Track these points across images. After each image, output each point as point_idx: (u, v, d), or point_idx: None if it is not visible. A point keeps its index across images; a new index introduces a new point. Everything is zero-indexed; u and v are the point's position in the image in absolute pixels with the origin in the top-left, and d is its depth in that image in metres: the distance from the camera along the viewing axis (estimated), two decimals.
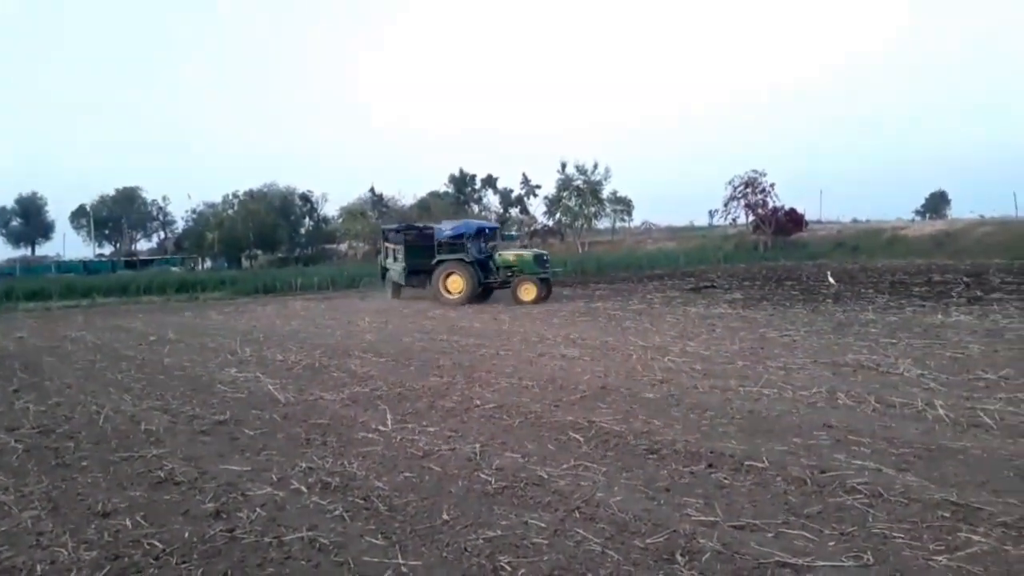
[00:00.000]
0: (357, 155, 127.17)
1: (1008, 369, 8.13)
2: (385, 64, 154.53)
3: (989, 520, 4.04)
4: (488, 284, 21.81)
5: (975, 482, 4.67)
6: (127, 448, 6.37)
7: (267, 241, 61.68)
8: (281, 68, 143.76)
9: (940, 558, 3.61)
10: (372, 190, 67.39)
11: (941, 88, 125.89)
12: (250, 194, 63.67)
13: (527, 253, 23.04)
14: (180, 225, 74.44)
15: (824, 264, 36.00)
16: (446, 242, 21.83)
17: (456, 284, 21.25)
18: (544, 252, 24.69)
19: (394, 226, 26.90)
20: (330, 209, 68.34)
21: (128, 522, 4.56)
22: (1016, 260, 31.75)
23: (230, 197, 64.19)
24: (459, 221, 23.71)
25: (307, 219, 68.64)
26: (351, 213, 62.13)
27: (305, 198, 67.81)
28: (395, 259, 24.08)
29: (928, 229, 49.96)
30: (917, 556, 3.66)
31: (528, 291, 20.53)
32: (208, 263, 62.98)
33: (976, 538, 3.82)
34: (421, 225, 27.09)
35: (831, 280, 23.05)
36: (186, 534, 4.34)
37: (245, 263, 60.30)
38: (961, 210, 70.99)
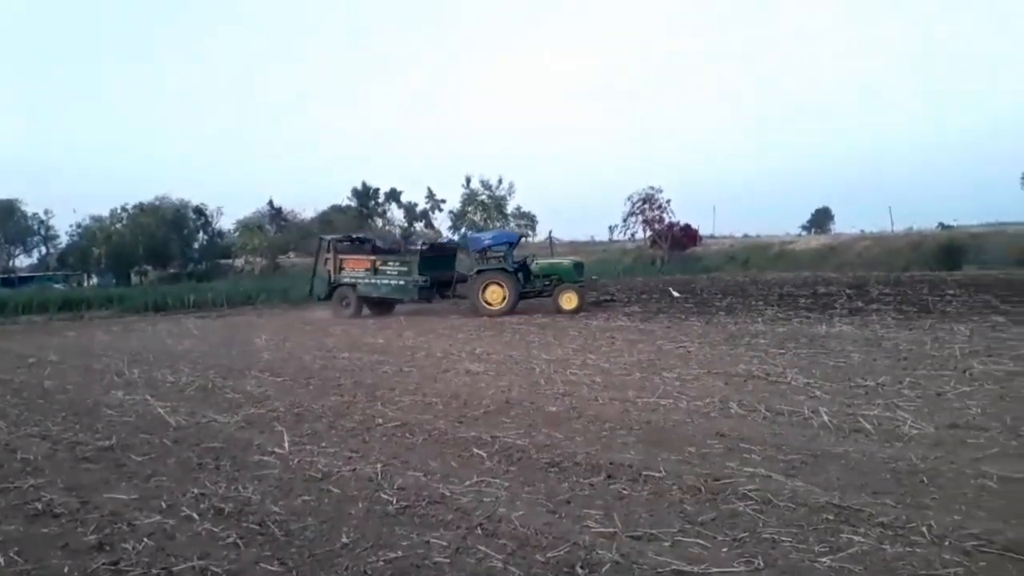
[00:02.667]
0: (255, 168, 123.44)
1: (885, 376, 8.63)
2: (284, 74, 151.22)
3: (868, 521, 4.27)
4: (525, 293, 20.89)
5: (856, 485, 4.93)
6: (1, 479, 5.95)
7: (158, 256, 59.07)
8: (175, 77, 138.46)
9: (824, 559, 3.79)
10: (270, 203, 65.77)
11: (822, 109, 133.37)
12: (140, 207, 60.87)
13: (566, 261, 22.26)
14: (64, 240, 70.48)
15: (718, 277, 37.35)
16: (482, 252, 20.93)
17: (496, 294, 20.22)
18: (581, 260, 23.53)
19: (338, 236, 25.08)
20: (226, 223, 66.21)
21: (1, 559, 4.26)
22: (893, 272, 33.80)
23: (119, 211, 61.23)
24: (496, 230, 22.53)
25: (201, 233, 66.18)
26: (248, 227, 60.36)
27: (199, 211, 65.33)
28: (374, 272, 21.76)
29: (813, 243, 52.57)
30: (803, 558, 3.82)
31: (570, 299, 19.79)
32: (94, 280, 59.74)
33: (857, 538, 4.02)
34: (361, 236, 25.48)
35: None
36: (65, 569, 4.09)
37: (134, 279, 57.44)
38: (844, 225, 75.00)
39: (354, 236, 24.92)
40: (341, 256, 22.53)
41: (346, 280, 22.22)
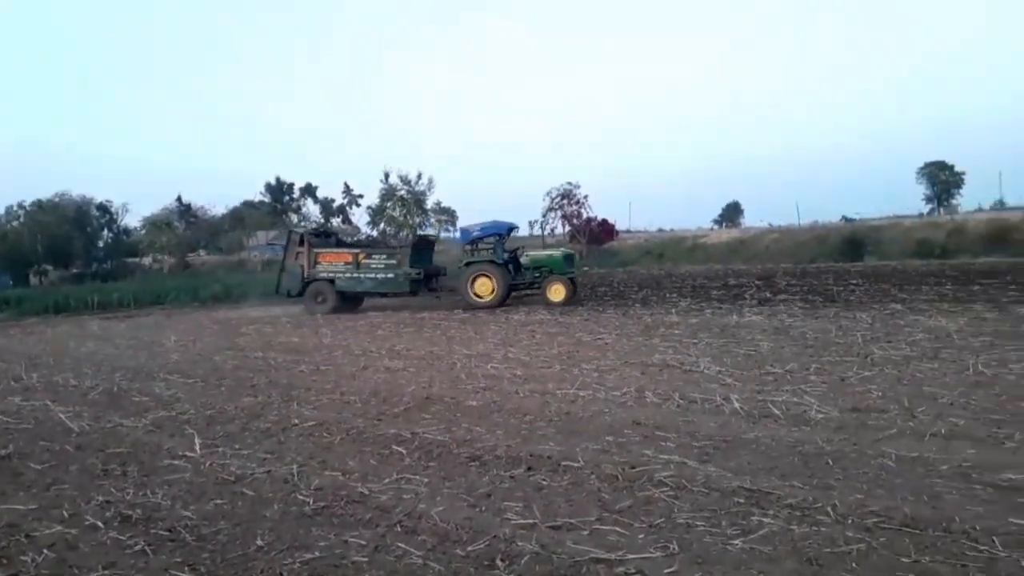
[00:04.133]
0: (163, 163, 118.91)
1: (792, 364, 8.96)
2: (193, 67, 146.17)
3: (778, 503, 4.42)
4: (515, 285, 20.62)
5: (766, 468, 5.10)
6: None
7: (59, 256, 56.11)
8: (74, 68, 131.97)
9: (736, 542, 3.90)
10: (179, 199, 63.61)
11: (731, 106, 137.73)
12: (39, 204, 57.80)
13: (557, 253, 22.02)
14: None
15: (634, 271, 38.10)
16: (474, 243, 20.52)
17: (486, 287, 19.91)
18: (572, 251, 23.09)
19: (311, 229, 23.74)
20: (132, 220, 63.64)
21: None
22: (799, 264, 35.19)
23: (15, 208, 58.02)
24: (487, 221, 21.35)
25: (106, 231, 63.40)
26: (156, 224, 58.24)
27: (103, 208, 62.59)
28: (356, 266, 21.03)
29: (725, 237, 54.23)
30: (716, 542, 3.93)
31: (558, 291, 19.59)
32: None
33: (767, 520, 4.16)
34: (326, 230, 24.48)
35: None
36: None
37: (34, 280, 54.56)
38: (753, 219, 77.69)
39: (320, 231, 24.03)
40: (317, 250, 21.64)
41: (322, 275, 21.36)
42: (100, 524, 4.66)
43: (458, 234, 22.00)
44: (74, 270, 57.53)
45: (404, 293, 21.41)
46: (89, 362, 12.68)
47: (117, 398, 9.18)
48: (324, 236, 23.37)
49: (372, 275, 21.12)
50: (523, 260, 21.15)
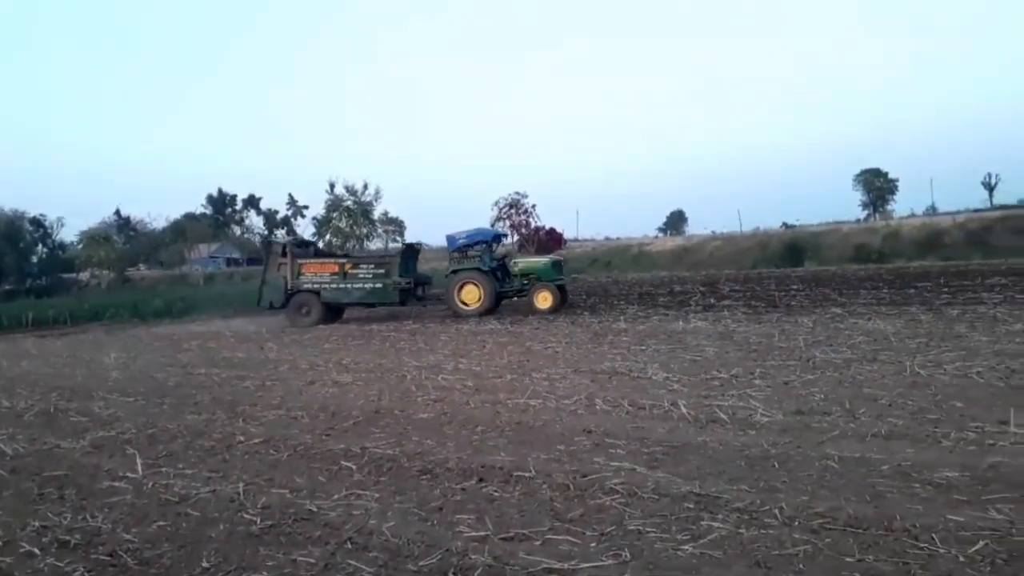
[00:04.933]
0: (100, 177, 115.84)
1: (737, 368, 9.12)
2: (128, 76, 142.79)
3: (726, 507, 4.48)
4: (503, 293, 20.36)
5: (714, 473, 5.17)
6: None
7: None
8: (4, 81, 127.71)
9: (687, 547, 3.94)
10: (117, 213, 62.00)
11: (674, 117, 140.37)
12: None
13: (544, 260, 21.66)
14: None
15: (581, 279, 38.37)
16: (460, 251, 20.17)
17: (472, 295, 19.68)
18: (560, 258, 22.55)
19: (293, 239, 23.06)
20: (68, 234, 61.82)
21: None
22: (742, 270, 35.90)
23: None
24: (472, 228, 21.09)
25: (40, 246, 61.43)
26: (93, 238, 56.69)
27: (37, 223, 60.68)
28: (343, 276, 20.56)
29: (669, 244, 55.12)
30: (667, 547, 3.96)
31: (545, 299, 19.41)
32: None
33: (716, 524, 4.21)
34: (306, 241, 23.63)
35: None
36: None
37: None
38: (697, 227, 79.27)
39: (301, 241, 23.47)
40: (300, 261, 21.08)
41: (306, 286, 20.81)
42: (36, 551, 4.48)
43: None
44: (7, 287, 55.57)
45: (392, 303, 21.06)
46: (23, 382, 12.21)
47: (54, 419, 8.87)
48: (304, 247, 22.85)
49: (360, 285, 20.68)
50: (511, 267, 20.98)
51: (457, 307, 19.89)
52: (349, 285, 20.73)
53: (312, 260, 21.43)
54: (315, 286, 20.81)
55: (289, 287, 20.90)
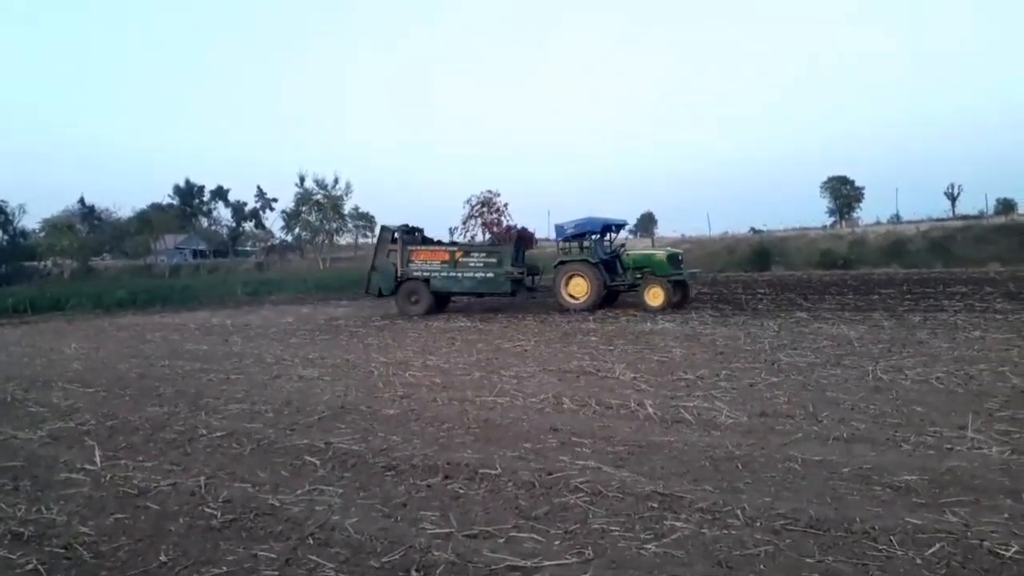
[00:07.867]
0: (64, 163, 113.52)
1: (704, 370, 9.20)
2: (94, 61, 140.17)
3: (689, 507, 4.51)
4: (615, 287, 19.34)
5: (678, 473, 5.20)
6: None
7: None
8: None
9: (650, 546, 3.96)
10: (81, 201, 60.87)
11: (644, 118, 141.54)
12: None
13: (660, 252, 19.93)
14: None
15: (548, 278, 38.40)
16: (568, 241, 19.43)
17: (580, 288, 18.75)
18: (679, 251, 20.90)
19: (403, 225, 21.89)
20: (30, 222, 60.53)
21: None
22: (710, 273, 36.22)
23: None
24: (582, 217, 19.91)
25: (1, 233, 60.10)
26: (56, 227, 55.60)
27: None
28: (453, 265, 19.98)
29: (640, 246, 55.38)
30: (630, 546, 3.97)
31: (656, 295, 17.96)
32: None
33: (679, 524, 4.23)
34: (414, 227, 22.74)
35: None
36: None
37: None
38: (666, 229, 79.71)
39: (409, 228, 22.01)
40: (410, 248, 20.50)
41: (415, 274, 20.31)
42: None
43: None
44: None
45: (504, 293, 20.41)
46: None
47: (10, 408, 8.68)
48: (411, 233, 21.94)
49: (471, 274, 20.06)
50: (624, 260, 19.83)
51: (564, 300, 19.05)
52: (460, 274, 20.13)
53: (422, 247, 20.88)
54: (425, 274, 20.31)
55: (399, 274, 20.45)
